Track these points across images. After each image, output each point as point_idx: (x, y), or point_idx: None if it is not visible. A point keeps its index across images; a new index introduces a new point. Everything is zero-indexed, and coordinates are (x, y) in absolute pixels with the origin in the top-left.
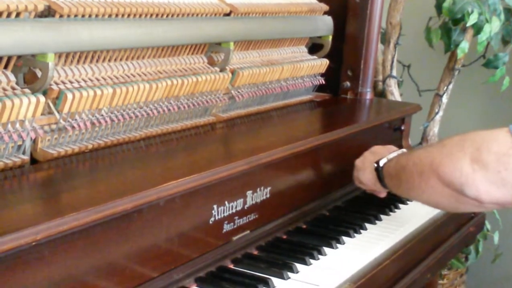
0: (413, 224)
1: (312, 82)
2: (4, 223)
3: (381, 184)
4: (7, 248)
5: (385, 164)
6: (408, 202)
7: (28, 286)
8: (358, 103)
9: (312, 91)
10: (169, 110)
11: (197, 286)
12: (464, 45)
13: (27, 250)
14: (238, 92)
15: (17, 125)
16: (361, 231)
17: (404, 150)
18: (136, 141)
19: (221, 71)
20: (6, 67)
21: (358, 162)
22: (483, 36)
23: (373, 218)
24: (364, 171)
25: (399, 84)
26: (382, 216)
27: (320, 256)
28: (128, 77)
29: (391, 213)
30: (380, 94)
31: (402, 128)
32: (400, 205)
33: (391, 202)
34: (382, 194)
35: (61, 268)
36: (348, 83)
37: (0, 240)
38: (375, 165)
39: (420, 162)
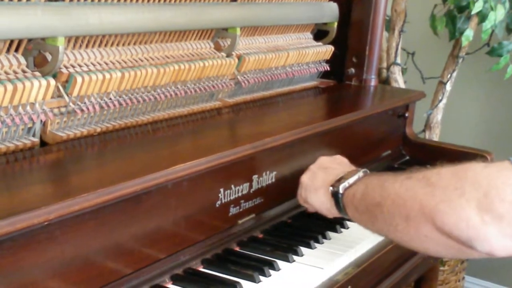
0: None
1: (317, 69)
2: (17, 203)
3: (340, 212)
4: (21, 227)
5: (346, 190)
6: None
7: (40, 264)
8: (362, 90)
9: (317, 77)
10: (176, 94)
11: (203, 267)
12: (469, 33)
13: (40, 229)
14: (244, 77)
15: (28, 108)
16: None
17: (364, 170)
18: (143, 125)
19: (227, 56)
20: (16, 50)
21: (306, 179)
22: (487, 24)
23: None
24: (316, 193)
25: (403, 71)
26: None
27: (324, 240)
28: (136, 61)
29: None
30: (384, 81)
31: (406, 115)
32: None
33: None
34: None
35: (72, 248)
36: (352, 70)
37: (13, 220)
38: (331, 188)
39: (403, 204)
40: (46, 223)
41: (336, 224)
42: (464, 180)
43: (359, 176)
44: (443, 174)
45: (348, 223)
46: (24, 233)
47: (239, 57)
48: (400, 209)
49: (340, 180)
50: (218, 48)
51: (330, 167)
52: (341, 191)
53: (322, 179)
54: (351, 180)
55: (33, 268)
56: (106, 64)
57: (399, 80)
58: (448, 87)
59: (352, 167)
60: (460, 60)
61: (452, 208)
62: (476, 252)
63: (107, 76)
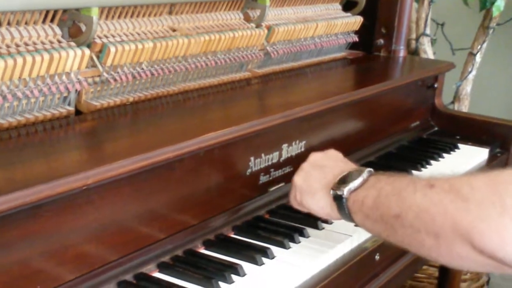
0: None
1: (345, 40)
2: (56, 169)
3: (344, 217)
4: (61, 191)
5: (351, 194)
6: (440, 159)
7: (78, 228)
8: (391, 61)
9: (345, 48)
10: (206, 65)
11: (234, 234)
12: (500, 3)
13: (78, 194)
14: (273, 48)
15: (63, 77)
16: None
17: (368, 170)
18: (174, 94)
19: (257, 27)
20: (52, 21)
21: (300, 181)
22: None
23: (405, 173)
24: (313, 197)
25: (433, 43)
26: (414, 172)
27: None
28: (168, 32)
29: (422, 168)
30: (413, 52)
31: (435, 86)
32: (432, 162)
33: (423, 158)
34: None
35: (109, 212)
36: (381, 41)
37: (53, 184)
38: (333, 192)
39: (431, 220)
40: (84, 187)
41: None
42: (504, 194)
43: (364, 177)
44: (476, 185)
45: None
46: (64, 197)
47: (269, 28)
48: (427, 225)
49: (342, 182)
50: (247, 19)
51: (326, 165)
52: (345, 195)
53: (319, 180)
54: (356, 182)
55: (71, 231)
56: (138, 34)
57: (428, 51)
58: (478, 58)
59: (350, 164)
60: (491, 31)
61: (493, 229)
62: None
63: (139, 46)
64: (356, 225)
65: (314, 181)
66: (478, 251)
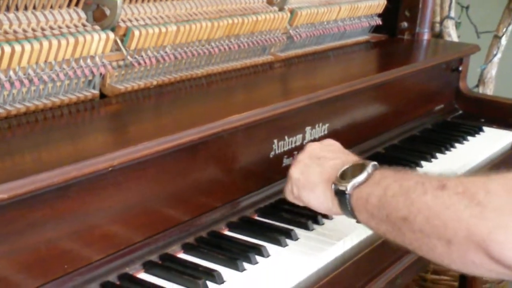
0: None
1: (369, 23)
2: (82, 150)
3: (346, 214)
4: (87, 172)
5: (355, 190)
6: (464, 142)
7: (104, 208)
8: (415, 44)
9: (369, 31)
10: (229, 48)
11: (258, 216)
12: None
13: (104, 175)
14: (296, 31)
15: (88, 61)
16: (417, 168)
17: (373, 164)
18: (198, 78)
19: (280, 10)
20: (77, 4)
21: (297, 173)
22: None
23: (429, 156)
24: (313, 191)
25: (457, 26)
26: (438, 155)
27: None
28: (191, 15)
29: (447, 151)
30: (437, 35)
31: (460, 69)
32: (457, 145)
33: (447, 141)
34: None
35: (134, 194)
36: (405, 24)
37: (80, 165)
38: (334, 186)
39: (443, 226)
40: (110, 169)
41: None
42: None
43: (369, 172)
44: (493, 190)
45: None
46: (90, 178)
47: (291, 11)
48: (438, 231)
49: (344, 176)
50: (270, 2)
51: (324, 157)
52: (349, 191)
53: (318, 173)
54: (360, 178)
55: (98, 212)
56: (162, 18)
57: (452, 35)
58: (504, 41)
59: (351, 155)
60: None
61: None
62: None
63: (163, 29)
64: (358, 222)
65: (312, 174)
66: (495, 261)
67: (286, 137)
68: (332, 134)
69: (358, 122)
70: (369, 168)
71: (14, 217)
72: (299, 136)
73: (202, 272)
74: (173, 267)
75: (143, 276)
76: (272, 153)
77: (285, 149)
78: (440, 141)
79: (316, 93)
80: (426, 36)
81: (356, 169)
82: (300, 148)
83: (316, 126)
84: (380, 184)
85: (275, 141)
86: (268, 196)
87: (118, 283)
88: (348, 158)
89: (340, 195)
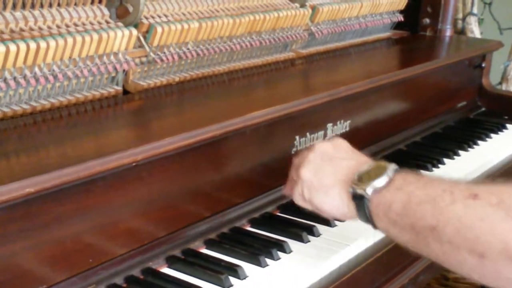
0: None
1: (390, 19)
2: (105, 145)
3: (363, 219)
4: (111, 166)
5: (375, 195)
6: (487, 139)
7: (128, 203)
8: (437, 40)
9: (390, 28)
10: (251, 45)
11: (280, 212)
12: None
13: (128, 170)
14: (318, 28)
15: (112, 57)
16: (439, 165)
17: (394, 167)
18: (219, 75)
19: (301, 7)
20: (100, 1)
21: (308, 174)
22: None
23: (452, 153)
24: (327, 194)
25: (480, 22)
26: (460, 152)
27: None
28: (213, 12)
29: (469, 149)
30: (460, 32)
31: (483, 65)
32: (480, 142)
33: (469, 139)
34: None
35: (157, 189)
36: (427, 20)
37: (104, 160)
38: (352, 190)
39: (475, 239)
40: (133, 164)
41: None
42: None
43: (390, 176)
44: None
45: (422, 172)
46: (114, 173)
47: (313, 8)
48: (470, 244)
49: (363, 179)
50: None
51: (338, 157)
52: (369, 196)
53: (332, 175)
54: (381, 181)
55: (122, 207)
56: (184, 15)
57: (475, 31)
58: None
59: (364, 156)
60: None
61: None
62: None
63: (185, 26)
64: (375, 228)
65: (326, 176)
66: None
67: (307, 134)
68: (354, 130)
69: (379, 118)
70: (390, 172)
71: (40, 211)
72: (321, 133)
73: (225, 268)
74: (196, 262)
75: (167, 270)
76: (294, 149)
77: (307, 145)
78: (463, 138)
79: (337, 90)
80: (448, 32)
81: (376, 172)
82: None
83: (338, 122)
84: (403, 189)
85: (297, 137)
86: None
87: (141, 277)
88: (362, 158)
89: (358, 199)
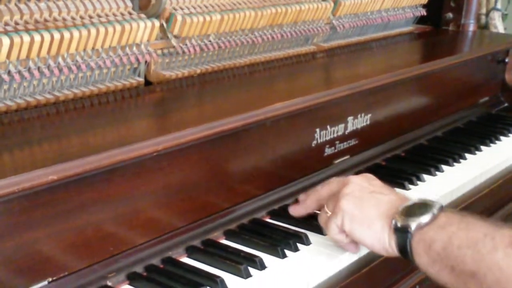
0: None
1: (413, 13)
2: (127, 135)
3: (403, 254)
4: (133, 156)
5: (418, 231)
6: (510, 135)
7: (148, 193)
8: (460, 35)
9: (412, 22)
10: (272, 38)
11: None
12: None
13: (149, 160)
14: (339, 22)
15: (134, 48)
16: (461, 160)
17: (439, 205)
18: (240, 67)
19: (323, 0)
20: None
21: (350, 207)
22: None
23: (473, 148)
24: (371, 227)
25: (504, 18)
26: (482, 147)
27: (419, 182)
28: (235, 4)
29: (491, 144)
30: (483, 27)
31: (506, 60)
32: (502, 137)
33: (491, 134)
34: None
35: (177, 179)
36: (450, 15)
37: (126, 149)
38: (394, 223)
39: None
40: (155, 153)
41: (431, 167)
42: None
43: (434, 213)
44: None
45: (443, 167)
46: (135, 162)
47: (335, 1)
48: None
49: (407, 213)
50: None
51: (375, 191)
52: (412, 230)
53: (375, 208)
54: (425, 218)
55: (142, 196)
56: (206, 7)
57: (498, 26)
58: None
59: (401, 193)
60: None
61: None
62: None
63: (207, 18)
64: (413, 264)
65: (368, 208)
66: None
67: (328, 127)
68: (375, 124)
69: (400, 113)
70: (435, 210)
71: (63, 198)
72: (341, 126)
73: (244, 258)
74: (215, 253)
75: (186, 260)
76: (314, 142)
77: (327, 138)
78: (485, 134)
79: (358, 83)
80: (471, 27)
81: (421, 208)
82: (342, 138)
83: (358, 116)
84: (445, 229)
85: (317, 130)
86: (309, 185)
87: (161, 266)
88: (401, 194)
89: (401, 233)
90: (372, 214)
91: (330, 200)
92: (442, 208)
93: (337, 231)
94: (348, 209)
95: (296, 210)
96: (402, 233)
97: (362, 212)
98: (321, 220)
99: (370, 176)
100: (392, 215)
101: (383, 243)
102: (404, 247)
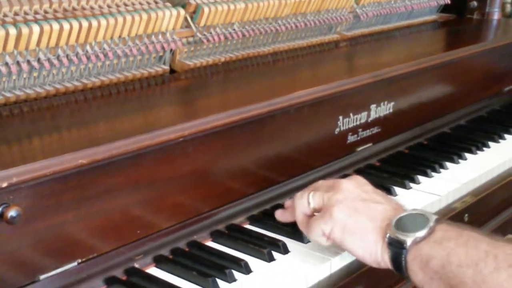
0: None
1: (437, 2)
2: (153, 121)
3: (397, 270)
4: (159, 141)
5: (413, 246)
6: None
7: (174, 178)
8: (485, 23)
9: (436, 11)
10: (296, 26)
11: None
12: None
13: (175, 145)
14: (363, 10)
15: (160, 37)
16: (484, 148)
17: (436, 217)
18: (264, 56)
19: None
20: None
21: (343, 216)
22: None
23: (497, 136)
24: (363, 239)
25: None
26: (506, 135)
27: (441, 170)
28: None
29: None
30: (508, 16)
31: None
32: None
33: None
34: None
35: (202, 165)
36: (475, 3)
37: (153, 134)
38: (389, 236)
39: None
40: (180, 139)
41: (454, 155)
42: None
43: (431, 227)
44: None
45: (466, 154)
46: (161, 148)
47: None
48: None
49: (401, 227)
50: None
51: (368, 199)
52: (407, 245)
53: (369, 219)
54: (422, 233)
55: (168, 181)
56: None
57: None
58: None
59: (394, 200)
60: None
61: None
62: None
63: (232, 7)
64: (406, 279)
65: (362, 220)
66: None
67: (351, 114)
68: (398, 112)
69: (423, 101)
70: (432, 223)
71: (92, 182)
72: (364, 114)
73: (267, 242)
74: (239, 237)
75: (211, 244)
76: (337, 129)
77: (350, 126)
78: (508, 122)
79: (381, 71)
80: (496, 16)
81: (415, 220)
82: (364, 125)
83: (381, 104)
84: (442, 244)
85: (340, 117)
86: (333, 172)
87: (187, 249)
88: (394, 203)
89: (395, 247)
90: (365, 226)
91: (320, 202)
92: (438, 220)
93: (320, 234)
94: (340, 218)
95: (283, 216)
96: (396, 248)
97: (355, 222)
98: (284, 218)
99: (361, 180)
100: (385, 228)
101: (375, 256)
102: (398, 263)
